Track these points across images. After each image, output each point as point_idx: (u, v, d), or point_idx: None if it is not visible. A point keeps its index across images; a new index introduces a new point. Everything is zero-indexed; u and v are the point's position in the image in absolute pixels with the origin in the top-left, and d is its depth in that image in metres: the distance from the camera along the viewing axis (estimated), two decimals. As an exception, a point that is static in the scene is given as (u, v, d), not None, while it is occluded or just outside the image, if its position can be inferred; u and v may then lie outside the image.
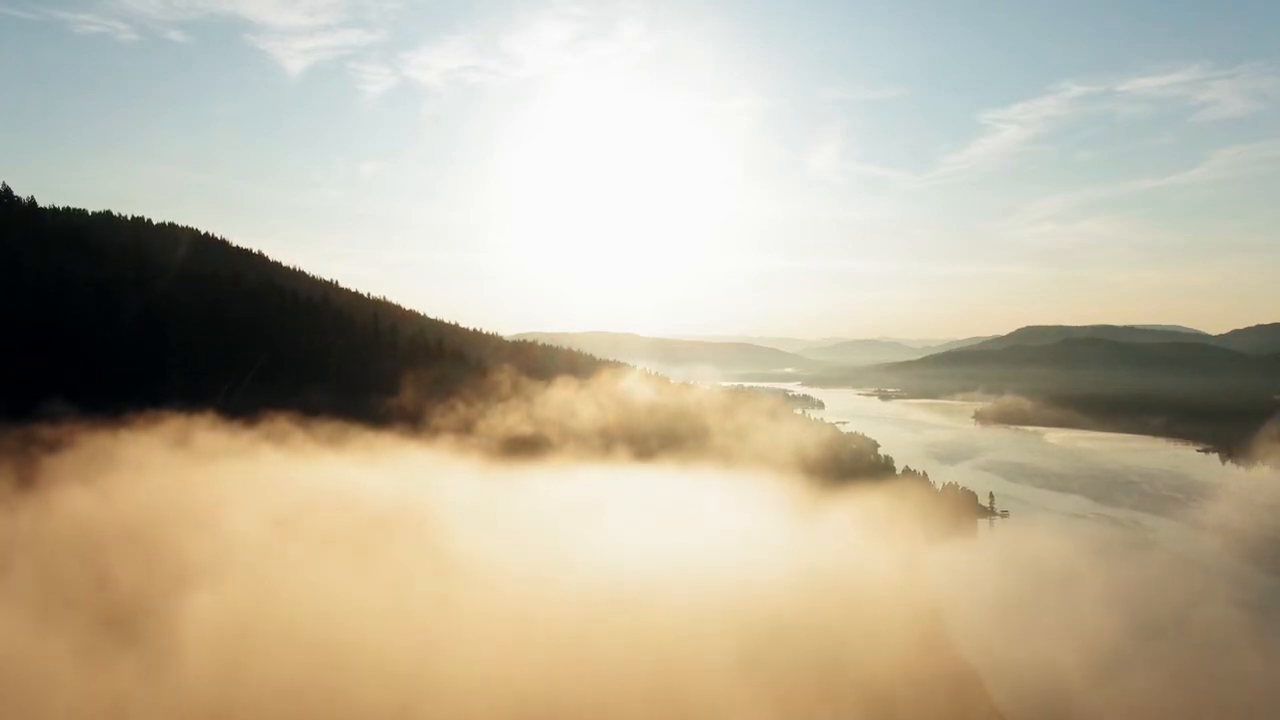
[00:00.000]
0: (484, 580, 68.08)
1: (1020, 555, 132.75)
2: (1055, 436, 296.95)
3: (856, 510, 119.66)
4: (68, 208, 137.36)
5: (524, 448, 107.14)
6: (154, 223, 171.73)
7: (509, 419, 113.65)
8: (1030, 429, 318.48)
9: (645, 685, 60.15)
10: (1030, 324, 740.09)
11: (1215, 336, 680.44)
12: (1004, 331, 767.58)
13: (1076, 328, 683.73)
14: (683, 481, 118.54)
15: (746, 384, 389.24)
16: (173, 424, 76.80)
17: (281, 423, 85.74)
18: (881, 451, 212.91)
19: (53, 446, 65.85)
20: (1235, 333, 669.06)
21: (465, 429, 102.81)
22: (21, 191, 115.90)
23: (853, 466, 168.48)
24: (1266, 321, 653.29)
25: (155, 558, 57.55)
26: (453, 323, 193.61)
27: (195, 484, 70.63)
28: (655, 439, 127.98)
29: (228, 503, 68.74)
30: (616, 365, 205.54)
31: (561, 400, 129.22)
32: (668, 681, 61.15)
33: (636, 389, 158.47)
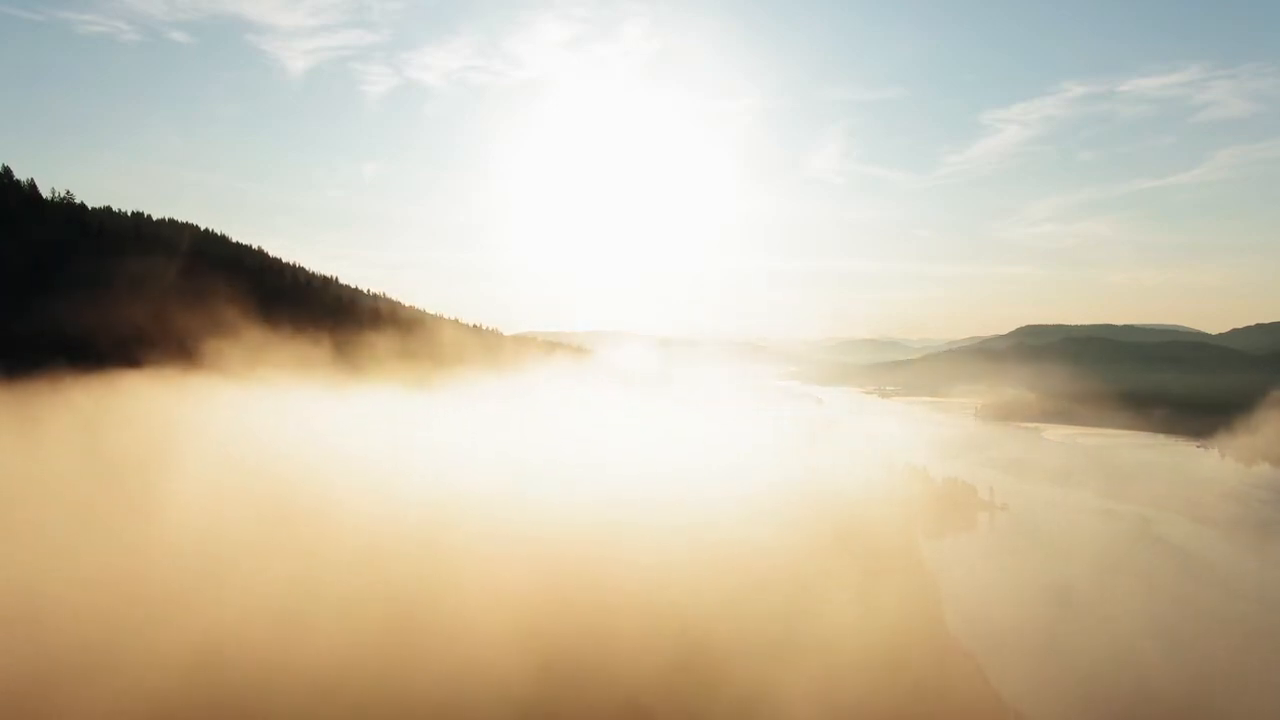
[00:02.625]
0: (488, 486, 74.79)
1: (1016, 541, 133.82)
2: (1055, 433, 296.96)
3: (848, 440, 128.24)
4: (68, 191, 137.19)
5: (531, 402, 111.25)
6: (154, 218, 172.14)
7: (510, 384, 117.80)
8: (1030, 425, 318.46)
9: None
10: (1030, 323, 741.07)
11: (1215, 336, 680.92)
12: (1004, 331, 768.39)
13: (1077, 326, 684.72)
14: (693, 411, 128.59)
15: (747, 382, 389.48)
16: (170, 376, 79.35)
17: (282, 375, 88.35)
18: (881, 445, 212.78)
19: (51, 395, 68.19)
20: (1235, 331, 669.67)
21: (466, 388, 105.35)
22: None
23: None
24: (1266, 320, 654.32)
25: (151, 456, 61.59)
26: (453, 318, 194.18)
27: (193, 406, 73.88)
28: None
29: (222, 419, 72.53)
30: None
31: (561, 372, 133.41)
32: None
33: (634, 367, 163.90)
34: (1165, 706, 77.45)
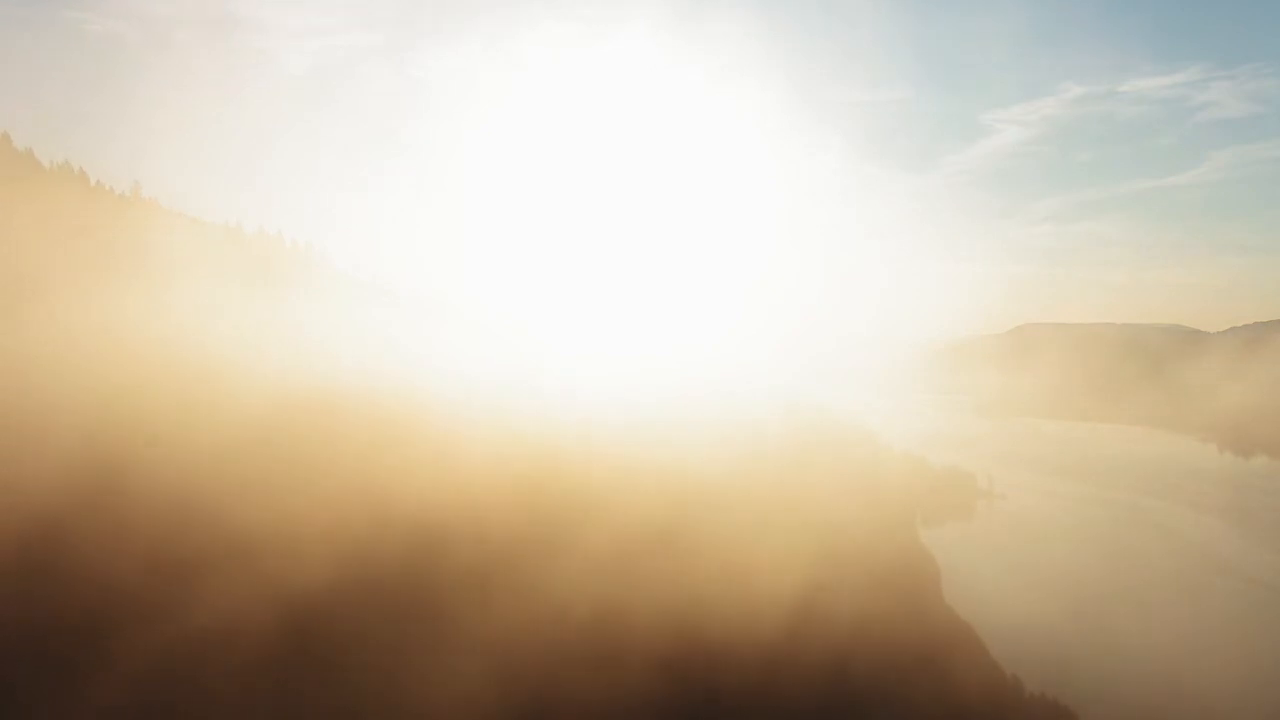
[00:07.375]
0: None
1: (1011, 527, 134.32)
2: (1054, 427, 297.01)
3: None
4: (66, 160, 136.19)
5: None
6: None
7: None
8: (1030, 419, 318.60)
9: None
10: (1030, 321, 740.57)
11: (1214, 334, 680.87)
12: (1004, 330, 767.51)
13: (1076, 325, 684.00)
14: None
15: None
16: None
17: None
18: (882, 439, 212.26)
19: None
20: (1234, 330, 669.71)
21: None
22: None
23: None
24: (1265, 320, 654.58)
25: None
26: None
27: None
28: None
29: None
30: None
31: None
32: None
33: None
34: (1142, 672, 79.15)
